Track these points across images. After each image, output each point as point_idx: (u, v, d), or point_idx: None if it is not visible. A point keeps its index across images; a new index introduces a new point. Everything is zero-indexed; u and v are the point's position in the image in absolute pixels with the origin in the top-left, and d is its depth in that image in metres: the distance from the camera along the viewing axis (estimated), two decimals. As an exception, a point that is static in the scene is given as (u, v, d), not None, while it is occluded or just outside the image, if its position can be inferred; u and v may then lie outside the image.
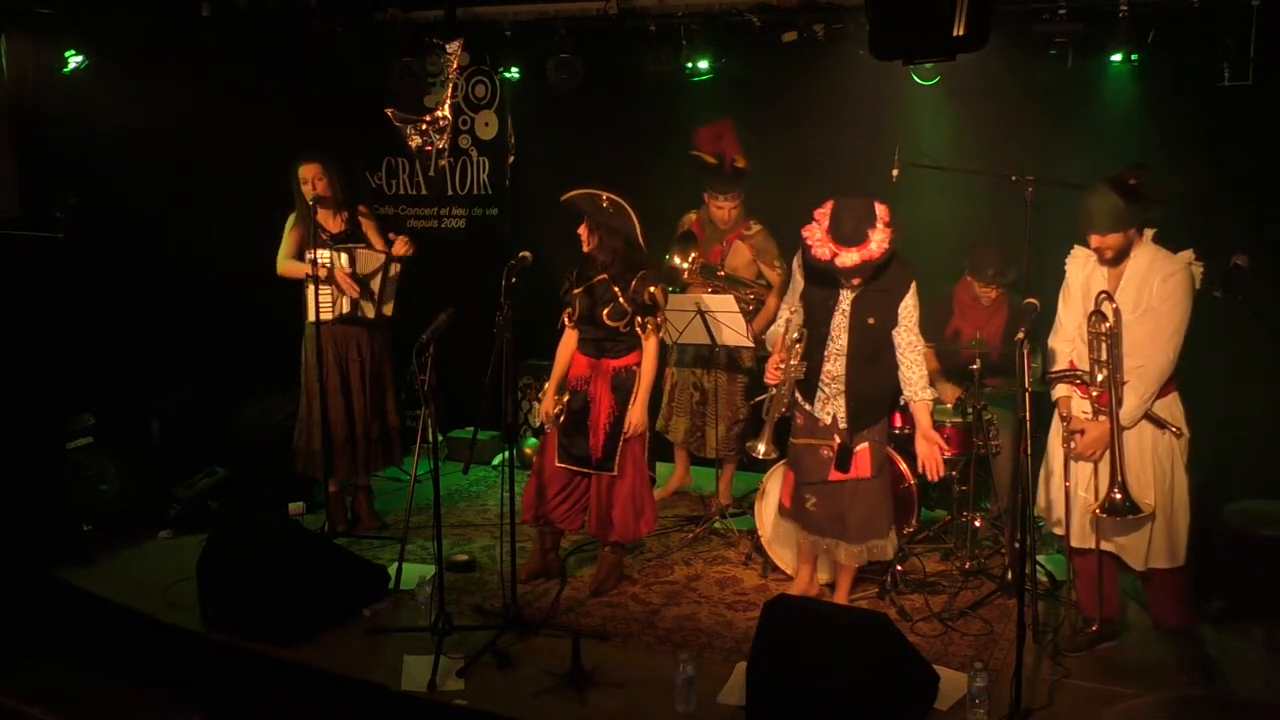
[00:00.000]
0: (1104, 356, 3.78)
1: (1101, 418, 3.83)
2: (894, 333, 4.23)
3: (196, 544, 4.63)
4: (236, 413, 6.04)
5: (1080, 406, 3.99)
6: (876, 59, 4.45)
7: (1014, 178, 4.72)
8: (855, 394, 4.25)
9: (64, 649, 4.56)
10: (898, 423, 4.98)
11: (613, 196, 4.52)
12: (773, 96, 6.13)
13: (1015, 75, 5.47)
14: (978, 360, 4.82)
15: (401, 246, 5.32)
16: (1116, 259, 3.86)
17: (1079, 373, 3.92)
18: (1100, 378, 3.81)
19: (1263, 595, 4.15)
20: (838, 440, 4.29)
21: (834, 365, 4.25)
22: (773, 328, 4.49)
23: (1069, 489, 3.92)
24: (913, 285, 4.23)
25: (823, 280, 4.20)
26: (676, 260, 5.50)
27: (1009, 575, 4.68)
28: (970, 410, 4.89)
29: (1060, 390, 4.07)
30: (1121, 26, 5.13)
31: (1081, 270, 4.02)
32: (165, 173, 5.98)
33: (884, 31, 4.26)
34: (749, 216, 5.60)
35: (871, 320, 4.19)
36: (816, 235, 4.10)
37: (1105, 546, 3.94)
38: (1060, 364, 4.08)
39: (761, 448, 4.27)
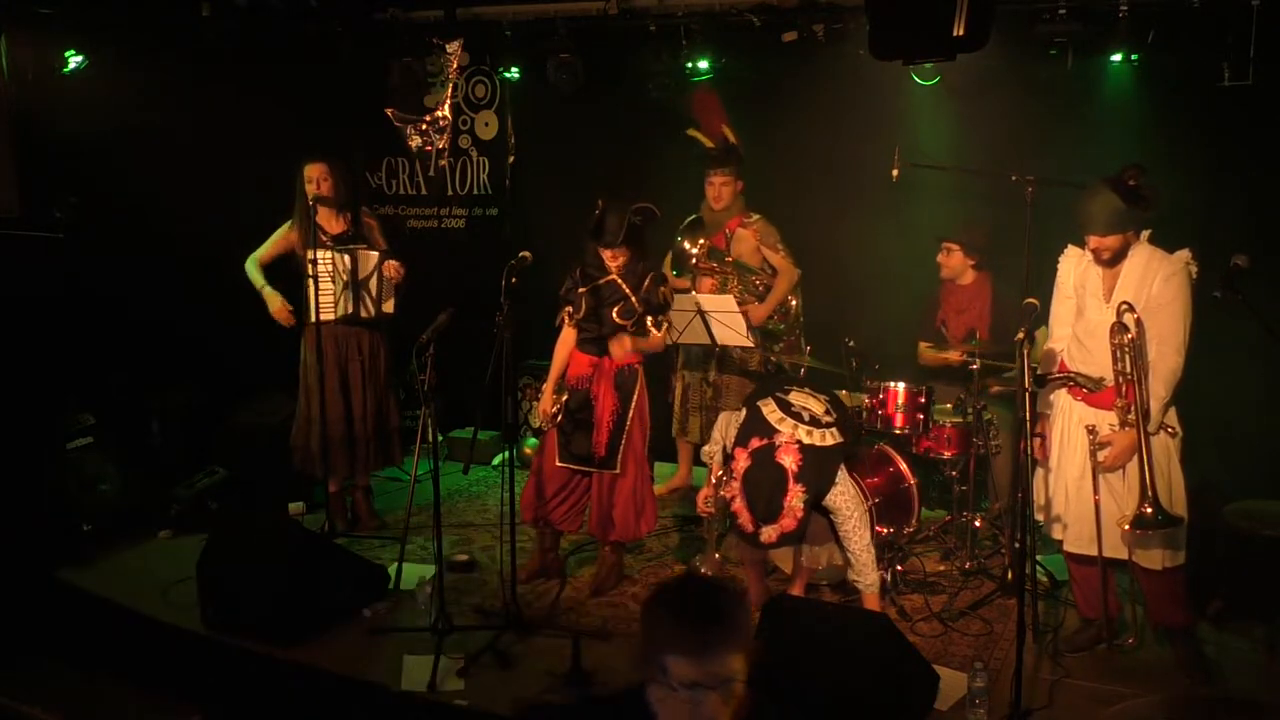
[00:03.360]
0: (1128, 369, 3.75)
1: (1128, 428, 3.80)
2: (830, 496, 4.13)
3: (196, 544, 4.63)
4: (236, 413, 6.04)
5: (1068, 416, 3.99)
6: (876, 59, 4.46)
7: (1014, 178, 4.73)
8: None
9: (64, 649, 4.56)
10: (898, 423, 4.97)
11: (637, 206, 4.52)
12: (773, 96, 6.13)
13: (1015, 75, 5.47)
14: (977, 360, 4.82)
15: (392, 270, 5.31)
16: (1114, 260, 3.85)
17: (1076, 376, 3.91)
18: (1124, 389, 3.78)
19: (1263, 595, 4.15)
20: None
21: None
22: (708, 447, 4.51)
23: (1098, 502, 3.88)
24: (841, 471, 4.14)
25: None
26: (686, 245, 5.56)
27: (1009, 575, 4.68)
28: (970, 410, 4.89)
29: (1042, 404, 4.06)
30: (1121, 26, 5.12)
31: (1074, 269, 4.01)
32: (165, 172, 5.97)
33: (884, 31, 4.27)
34: (749, 208, 5.65)
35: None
36: (738, 503, 4.07)
37: (1117, 554, 3.91)
38: (1052, 366, 4.07)
39: (705, 571, 4.32)
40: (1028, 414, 3.65)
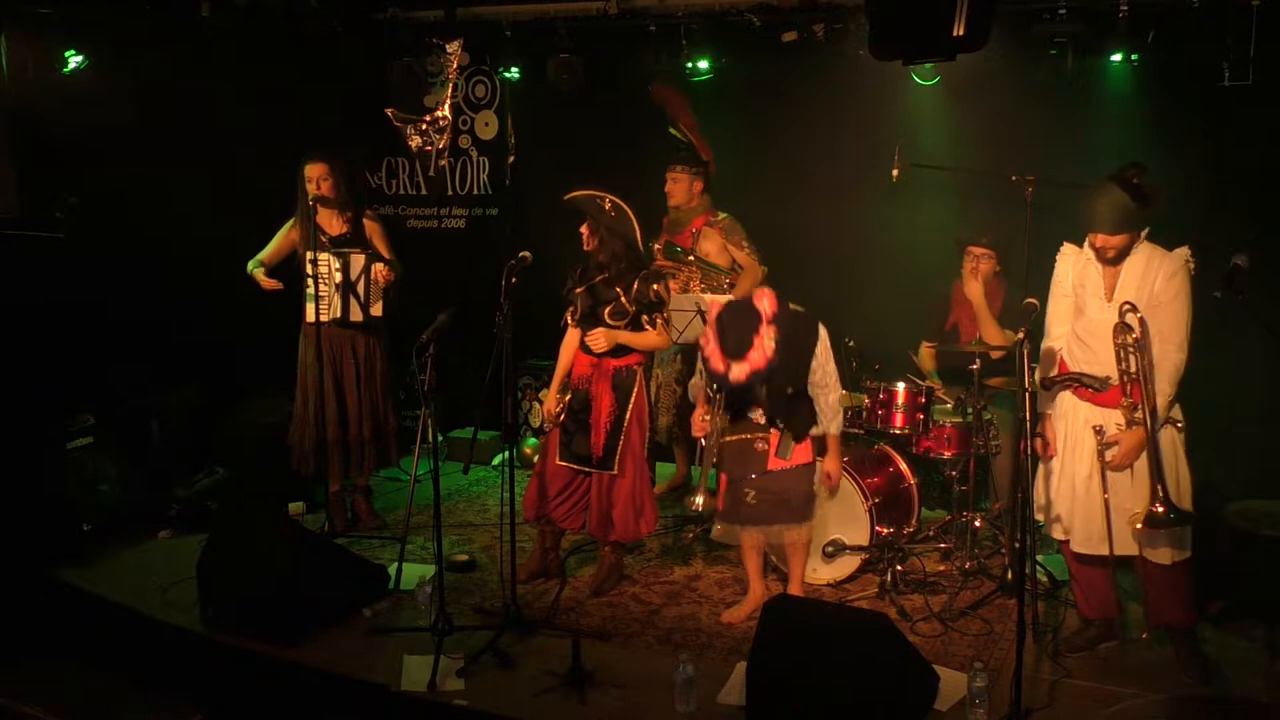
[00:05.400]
0: (1133, 369, 3.74)
1: (1135, 427, 3.79)
2: (814, 365, 4.25)
3: (196, 544, 4.63)
4: (236, 413, 6.03)
5: (1073, 416, 3.97)
6: (876, 59, 4.46)
7: (1014, 178, 4.73)
8: (785, 427, 4.33)
9: (64, 649, 4.56)
10: (898, 423, 4.98)
11: (615, 200, 4.53)
12: (773, 96, 6.13)
13: (1015, 75, 5.47)
14: (977, 360, 4.82)
15: (379, 274, 5.29)
16: (1118, 258, 3.85)
17: (1082, 377, 3.90)
18: (1129, 388, 3.77)
19: (1263, 595, 4.14)
20: (776, 433, 4.32)
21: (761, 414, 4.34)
22: (693, 380, 4.54)
23: (1107, 501, 3.86)
24: (819, 340, 4.25)
25: None
26: (653, 245, 5.59)
27: (1009, 575, 4.68)
28: (970, 410, 4.89)
29: (1045, 404, 4.04)
30: (1121, 26, 5.12)
31: (1072, 268, 3.99)
32: (165, 172, 5.97)
33: (884, 31, 4.27)
34: (716, 206, 5.66)
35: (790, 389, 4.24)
36: (714, 351, 4.15)
37: (1127, 550, 3.89)
38: (1051, 365, 4.06)
39: (699, 499, 4.30)
40: (1028, 414, 3.65)
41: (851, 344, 5.24)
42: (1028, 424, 3.67)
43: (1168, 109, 5.34)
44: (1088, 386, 3.88)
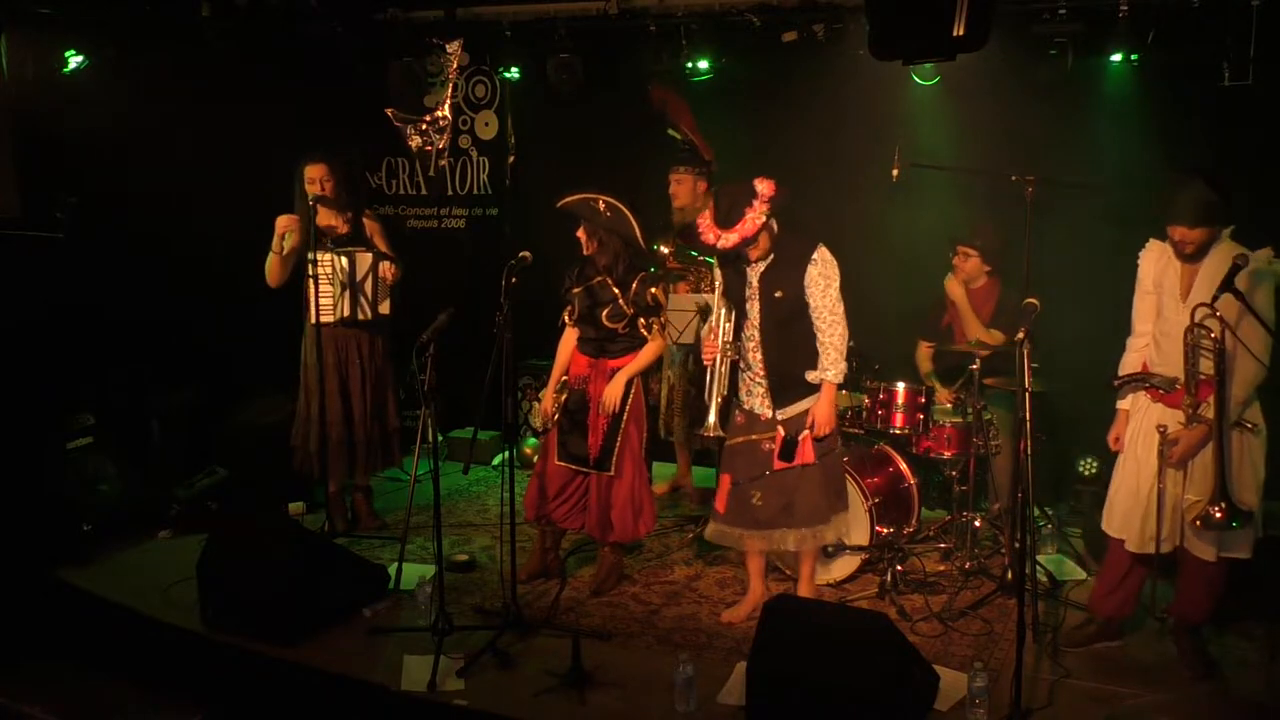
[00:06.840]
0: (1206, 371, 3.68)
1: (1195, 425, 3.75)
2: (809, 307, 4.23)
3: (196, 544, 4.63)
4: (236, 412, 6.03)
5: (1144, 416, 3.92)
6: (876, 59, 4.46)
7: (1014, 178, 4.72)
8: (774, 370, 4.27)
9: (64, 649, 4.56)
10: (898, 423, 4.98)
11: (609, 200, 4.52)
12: (773, 96, 6.13)
13: (1015, 75, 5.47)
14: (977, 360, 4.82)
15: (387, 272, 5.29)
16: (1196, 255, 3.77)
17: (1150, 377, 3.84)
18: (1195, 388, 3.72)
19: (1263, 595, 4.14)
20: (781, 432, 4.29)
21: (757, 350, 4.29)
22: (704, 328, 4.54)
23: (1162, 489, 3.82)
24: (816, 254, 4.20)
25: (733, 267, 4.27)
26: (663, 249, 5.59)
27: (1009, 575, 4.68)
28: (970, 410, 4.89)
29: (1125, 403, 3.99)
30: (1121, 26, 5.12)
31: (1154, 266, 3.91)
32: (165, 173, 5.98)
33: (884, 31, 4.28)
34: None
35: (779, 294, 4.21)
36: (706, 222, 4.20)
37: (1171, 545, 3.86)
38: (1131, 368, 4.00)
39: (711, 419, 4.25)
40: (1028, 414, 3.64)
41: (851, 344, 5.23)
42: (1028, 424, 3.67)
43: (1168, 109, 5.34)
44: (1156, 387, 3.84)
